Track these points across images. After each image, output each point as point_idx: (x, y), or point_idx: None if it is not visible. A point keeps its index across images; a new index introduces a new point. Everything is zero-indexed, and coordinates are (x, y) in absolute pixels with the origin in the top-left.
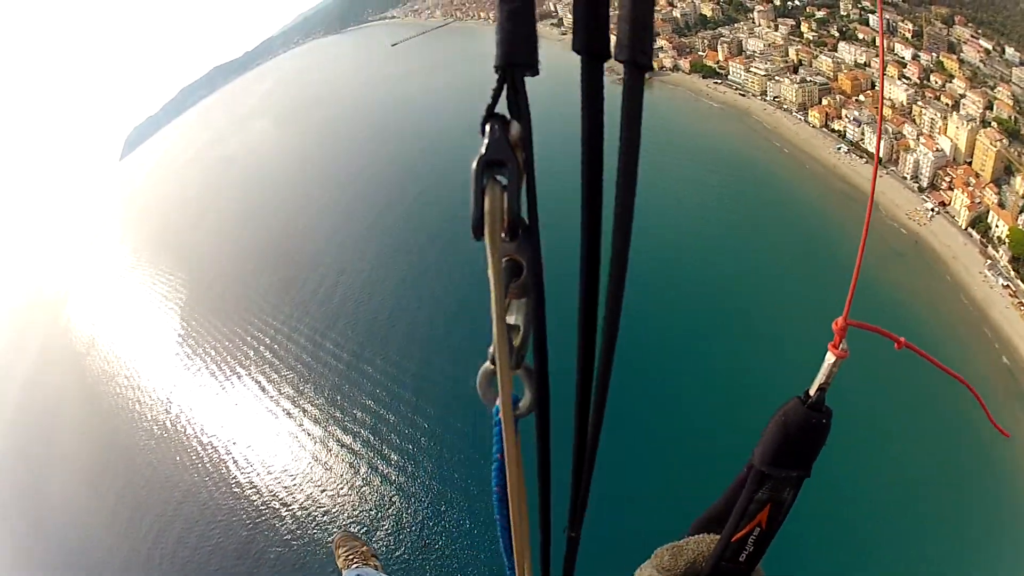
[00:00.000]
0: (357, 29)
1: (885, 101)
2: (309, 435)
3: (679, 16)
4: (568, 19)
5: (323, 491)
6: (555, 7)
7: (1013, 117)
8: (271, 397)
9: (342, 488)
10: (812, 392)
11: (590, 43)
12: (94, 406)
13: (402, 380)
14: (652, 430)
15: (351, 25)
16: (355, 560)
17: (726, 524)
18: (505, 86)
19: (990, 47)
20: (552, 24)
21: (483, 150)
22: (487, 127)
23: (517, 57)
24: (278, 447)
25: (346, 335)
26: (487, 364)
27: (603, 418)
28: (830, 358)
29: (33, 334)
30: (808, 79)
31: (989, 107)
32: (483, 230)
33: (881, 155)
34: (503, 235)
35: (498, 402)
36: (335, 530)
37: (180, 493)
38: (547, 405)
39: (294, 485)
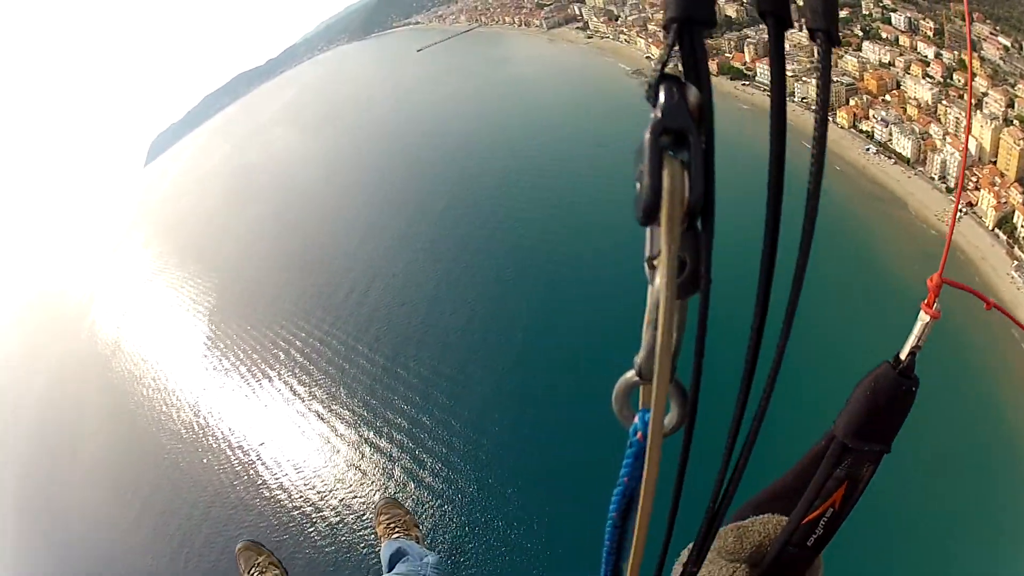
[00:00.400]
0: (381, 35)
1: (911, 100)
2: (342, 438)
3: None
4: (592, 22)
5: (355, 496)
6: (579, 11)
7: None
8: (303, 400)
9: (376, 492)
10: (903, 356)
11: (776, 8)
12: (119, 408)
13: (437, 383)
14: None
15: (375, 31)
16: (397, 530)
17: (794, 503)
18: (678, 44)
19: (1008, 44)
20: (578, 28)
21: (658, 114)
22: (661, 89)
23: (695, 10)
24: (310, 450)
25: (380, 340)
26: (630, 375)
27: (754, 448)
28: (924, 318)
29: (56, 336)
30: (835, 79)
31: (1011, 104)
32: (657, 214)
33: (908, 155)
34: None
35: (636, 420)
36: (370, 536)
37: (208, 496)
38: (693, 426)
39: (326, 489)
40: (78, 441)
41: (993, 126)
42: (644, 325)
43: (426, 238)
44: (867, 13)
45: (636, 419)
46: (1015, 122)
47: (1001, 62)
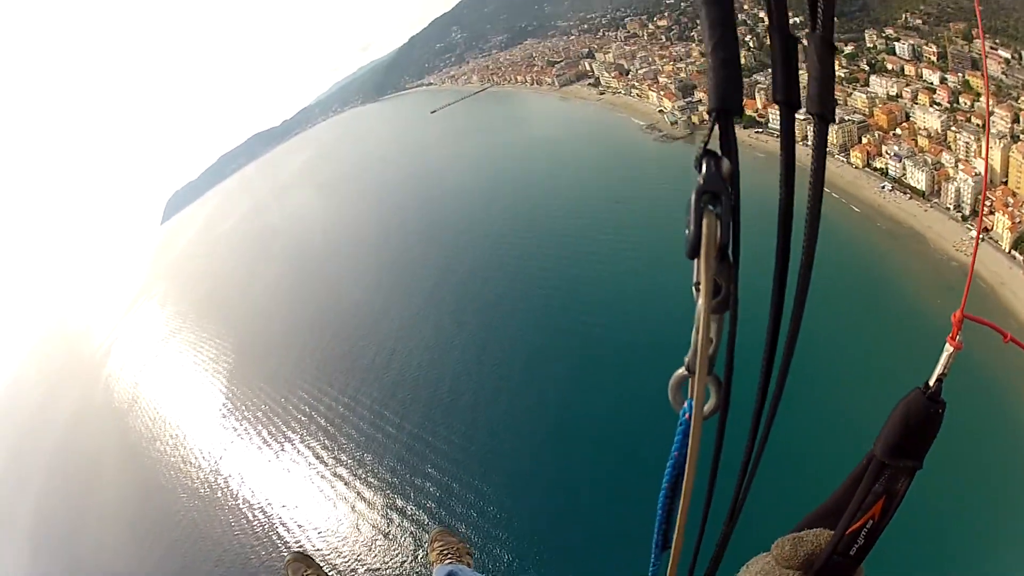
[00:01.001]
0: (394, 97)
1: (921, 131)
2: (369, 504)
3: None
4: (604, 78)
5: (383, 562)
6: (590, 66)
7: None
8: (327, 465)
9: (406, 559)
10: (931, 383)
11: (788, 96)
12: (136, 464)
13: (468, 451)
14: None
15: (388, 92)
16: (449, 556)
17: (840, 518)
18: (717, 127)
19: (1008, 56)
20: (589, 84)
21: (700, 182)
22: (703, 162)
23: (729, 103)
24: (335, 515)
25: (407, 407)
26: (681, 370)
27: (773, 423)
28: (948, 349)
29: (74, 380)
30: (846, 119)
31: (1016, 120)
32: (699, 251)
33: (923, 187)
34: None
35: (684, 405)
36: None
37: (229, 555)
38: (727, 410)
39: (352, 555)
40: (94, 491)
41: (1002, 145)
42: (693, 332)
43: (450, 302)
44: (871, 46)
45: (684, 405)
46: (1021, 137)
47: (1004, 76)
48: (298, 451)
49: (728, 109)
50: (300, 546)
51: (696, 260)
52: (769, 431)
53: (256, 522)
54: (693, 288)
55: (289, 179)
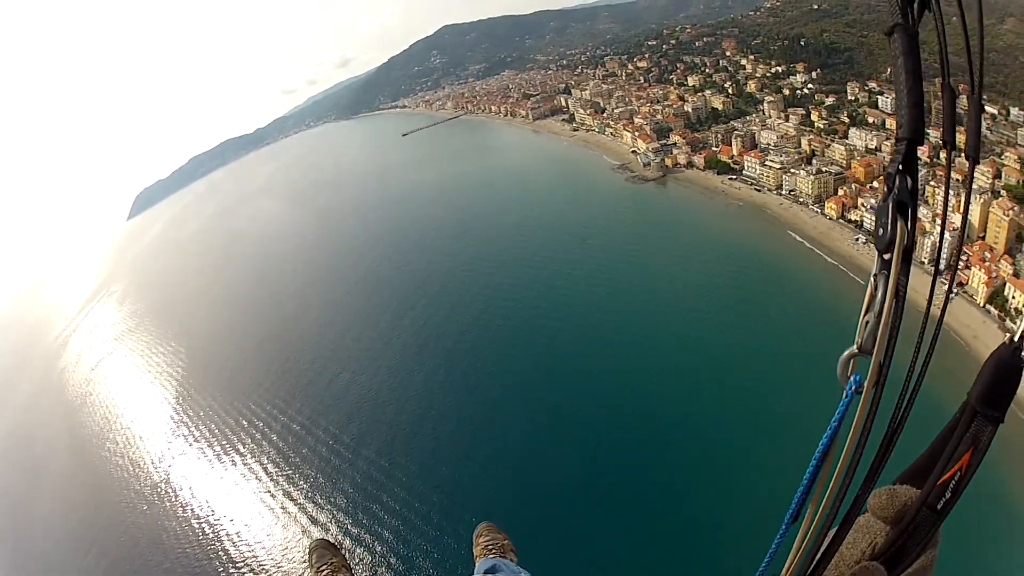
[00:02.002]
0: (368, 116)
1: None
2: (322, 528)
3: (691, 111)
4: (579, 114)
5: None
6: (565, 102)
7: (1022, 182)
8: (278, 484)
9: None
10: (1016, 338)
11: (952, 139)
12: (83, 460)
13: (430, 483)
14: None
15: (362, 111)
16: (493, 551)
17: (931, 472)
18: (905, 155)
19: (995, 112)
20: (563, 120)
21: (896, 193)
22: (897, 178)
23: (918, 135)
24: (283, 537)
25: (364, 434)
26: (852, 348)
27: (914, 402)
28: None
29: (26, 377)
30: (823, 169)
31: (998, 175)
32: (892, 249)
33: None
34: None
35: (851, 379)
36: None
37: (169, 560)
38: (882, 388)
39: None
40: (41, 484)
41: (982, 200)
42: (861, 315)
43: (413, 330)
44: (853, 98)
45: (851, 379)
46: (1002, 193)
47: (988, 132)
48: (248, 467)
49: (916, 140)
50: (246, 560)
51: (886, 255)
52: (909, 412)
53: (202, 533)
54: (872, 277)
55: (258, 187)
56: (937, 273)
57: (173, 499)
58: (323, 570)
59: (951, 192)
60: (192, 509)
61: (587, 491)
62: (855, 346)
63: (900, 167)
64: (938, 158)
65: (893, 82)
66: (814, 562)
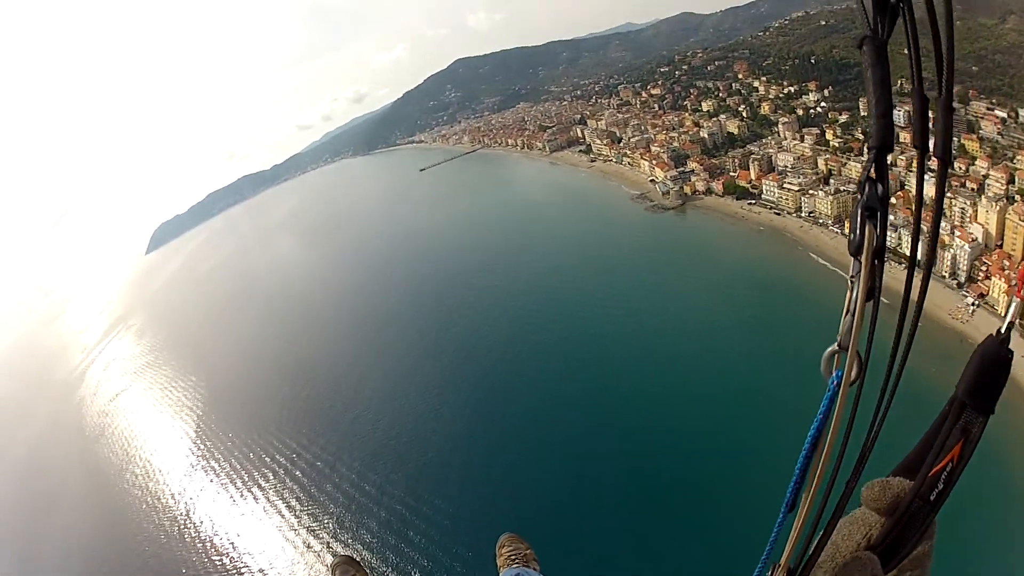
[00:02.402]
0: (385, 152)
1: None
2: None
3: (707, 136)
4: (595, 145)
5: None
6: (582, 133)
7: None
8: (300, 520)
9: None
10: (1002, 331)
11: (922, 143)
12: (100, 494)
13: (458, 528)
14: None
15: (379, 147)
16: (517, 561)
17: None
18: (875, 163)
19: (1005, 115)
20: (580, 151)
21: (865, 200)
22: (866, 185)
23: (887, 143)
24: (303, 571)
25: (393, 474)
26: (833, 346)
27: (895, 394)
28: (1016, 302)
29: (45, 395)
30: (841, 189)
31: (1011, 180)
32: (861, 251)
33: (919, 256)
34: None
35: (833, 374)
36: None
37: None
38: (863, 381)
39: None
40: (55, 512)
41: (998, 207)
42: (843, 315)
43: (438, 371)
44: (865, 114)
45: (833, 374)
46: (1017, 198)
47: (999, 137)
48: (271, 502)
49: (885, 147)
50: None
51: (857, 258)
52: (891, 402)
53: (223, 568)
54: (849, 279)
55: (276, 224)
56: (913, 267)
57: (194, 533)
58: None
59: (966, 200)
60: (213, 543)
61: (626, 523)
62: (836, 343)
63: (870, 175)
64: (953, 168)
65: (864, 92)
66: (810, 548)
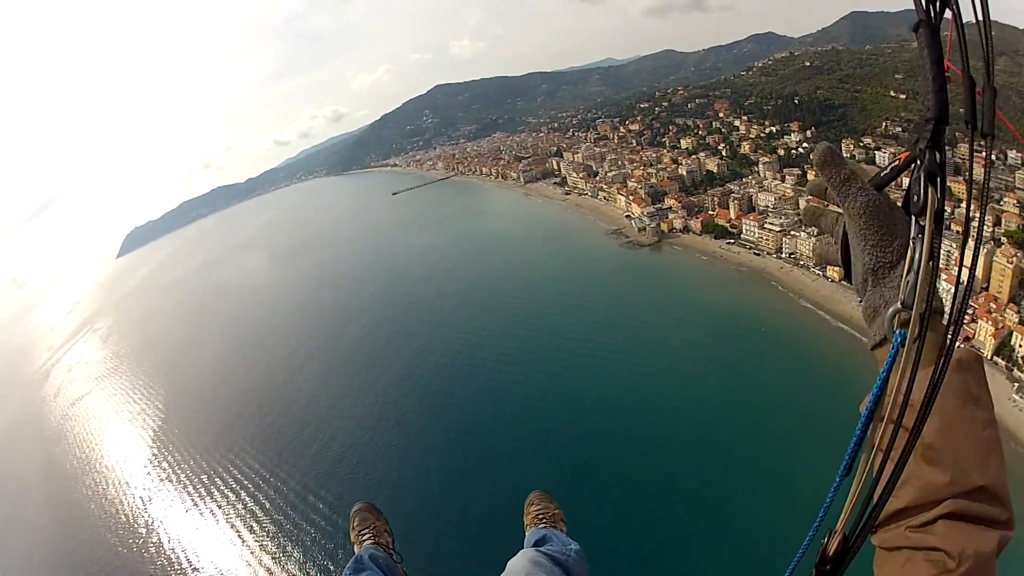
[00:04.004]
0: (358, 173)
1: None
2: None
3: (685, 173)
4: (571, 178)
5: None
6: (557, 165)
7: (1022, 226)
8: (248, 546)
9: None
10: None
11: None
12: (58, 501)
13: (414, 560)
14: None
15: (353, 168)
16: (544, 521)
17: None
18: (932, 133)
19: (992, 157)
20: (555, 183)
21: (926, 164)
22: (926, 152)
23: (942, 114)
24: None
25: (343, 500)
26: (896, 304)
27: (949, 362)
28: None
29: (9, 393)
30: (824, 231)
31: (998, 223)
32: (924, 214)
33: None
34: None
35: (896, 334)
36: None
37: None
38: (924, 339)
39: None
40: (14, 521)
41: (985, 250)
42: (904, 276)
43: (398, 402)
44: (849, 155)
45: (896, 332)
46: (1003, 240)
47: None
48: (221, 527)
49: (942, 119)
50: None
51: (920, 219)
52: (948, 363)
53: None
54: (911, 240)
55: (246, 239)
56: (967, 227)
57: (152, 545)
58: (364, 533)
59: (951, 243)
60: (170, 556)
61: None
62: (899, 302)
63: (929, 144)
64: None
65: (921, 71)
66: (867, 512)
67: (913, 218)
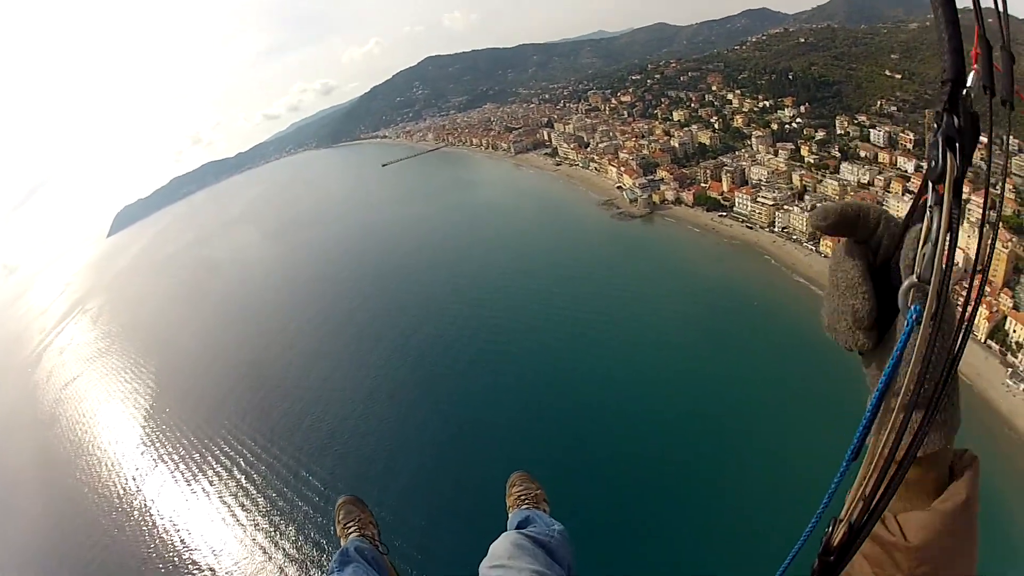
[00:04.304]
0: (348, 145)
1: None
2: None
3: (677, 145)
4: (562, 148)
5: None
6: (548, 136)
7: (1017, 211)
8: (245, 529)
9: None
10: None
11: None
12: (53, 486)
13: (408, 535)
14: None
15: (343, 140)
16: (527, 502)
17: None
18: (949, 95)
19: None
20: (546, 154)
21: (944, 128)
22: (944, 116)
23: (958, 75)
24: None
25: (335, 474)
26: (911, 278)
27: (969, 336)
28: None
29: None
30: (818, 206)
31: (993, 206)
32: (943, 181)
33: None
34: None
35: (911, 309)
36: None
37: None
38: (941, 318)
39: None
40: (9, 505)
41: (979, 233)
42: (919, 247)
43: (392, 377)
44: (842, 132)
45: (912, 308)
46: (1000, 225)
47: (981, 163)
48: (223, 499)
49: (959, 80)
50: None
51: (938, 186)
52: (966, 341)
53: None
54: (928, 209)
55: (237, 214)
56: (987, 200)
57: (147, 527)
58: (350, 526)
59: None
60: (163, 537)
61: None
62: (914, 276)
63: (946, 106)
64: None
65: (935, 31)
66: (876, 497)
67: (930, 185)
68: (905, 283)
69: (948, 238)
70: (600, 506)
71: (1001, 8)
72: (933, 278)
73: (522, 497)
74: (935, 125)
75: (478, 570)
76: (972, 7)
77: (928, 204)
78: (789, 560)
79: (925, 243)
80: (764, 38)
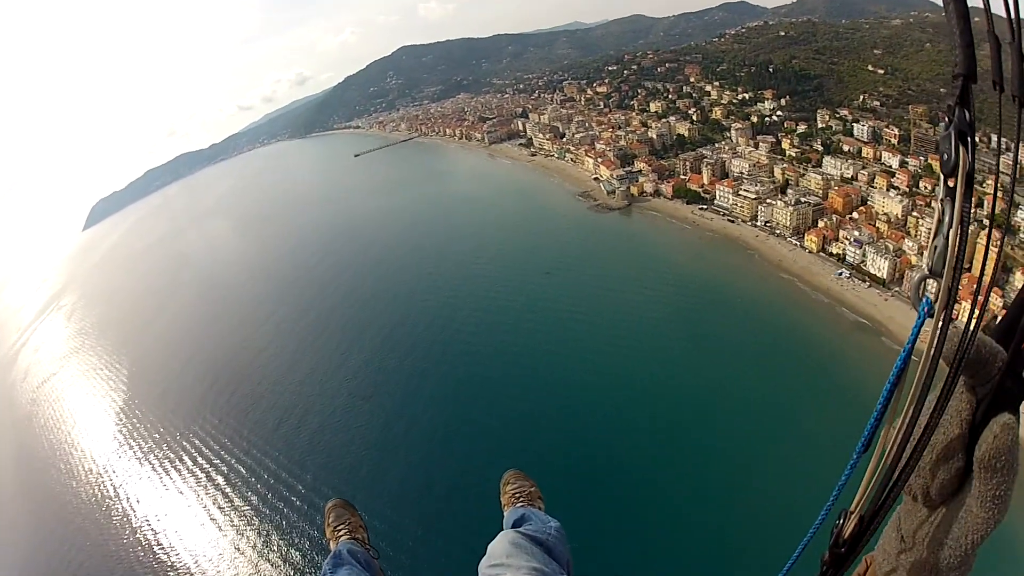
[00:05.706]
0: (321, 135)
1: (881, 216)
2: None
3: (655, 137)
4: (537, 139)
5: None
6: (523, 126)
7: (1004, 210)
8: (224, 534)
9: None
10: None
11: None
12: (31, 488)
13: (400, 542)
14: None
15: (316, 130)
16: (522, 500)
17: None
18: (961, 90)
19: (977, 139)
20: (521, 144)
21: (956, 122)
22: (956, 110)
23: (970, 70)
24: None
25: (317, 479)
26: (923, 271)
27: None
28: None
29: None
30: (802, 200)
31: (979, 204)
32: (955, 174)
33: (884, 275)
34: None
35: (923, 302)
36: None
37: None
38: (952, 309)
39: None
40: None
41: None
42: (930, 241)
43: (364, 373)
44: (824, 126)
45: (923, 300)
46: (984, 221)
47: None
48: (191, 508)
49: (971, 75)
50: None
51: (950, 179)
52: (976, 334)
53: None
54: (939, 202)
55: (210, 206)
56: (997, 186)
57: (125, 528)
58: (340, 530)
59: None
60: (141, 540)
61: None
62: (925, 268)
63: (958, 101)
64: (917, 187)
65: (947, 26)
66: (887, 488)
67: (942, 178)
68: (917, 276)
69: (960, 231)
70: (591, 502)
71: (1012, 4)
72: (945, 272)
73: (517, 495)
74: (947, 119)
75: (477, 570)
76: (982, 4)
77: (939, 197)
78: (799, 551)
79: (936, 235)
80: (743, 31)
